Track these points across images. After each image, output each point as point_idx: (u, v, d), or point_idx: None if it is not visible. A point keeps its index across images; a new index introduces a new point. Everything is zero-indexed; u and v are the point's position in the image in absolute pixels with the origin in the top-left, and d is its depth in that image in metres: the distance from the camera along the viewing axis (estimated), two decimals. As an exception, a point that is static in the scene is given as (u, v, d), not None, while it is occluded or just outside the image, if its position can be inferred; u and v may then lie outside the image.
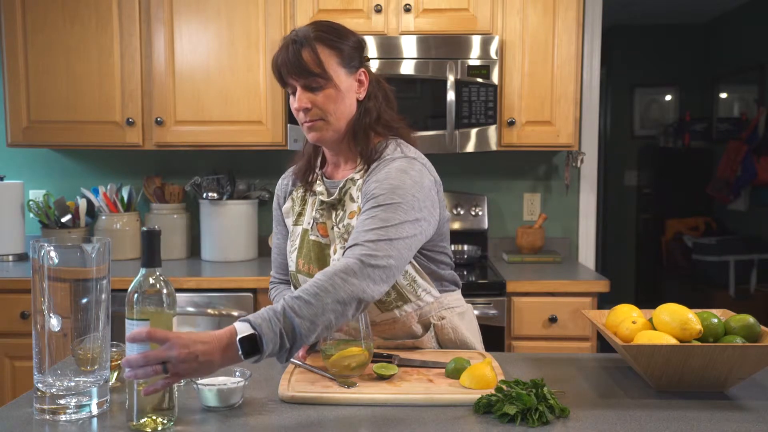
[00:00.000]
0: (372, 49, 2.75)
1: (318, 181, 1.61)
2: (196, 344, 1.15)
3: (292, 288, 1.68)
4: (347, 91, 1.52)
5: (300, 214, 1.64)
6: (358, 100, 1.55)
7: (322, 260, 1.56)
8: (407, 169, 1.48)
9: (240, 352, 1.18)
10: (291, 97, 1.53)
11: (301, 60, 1.46)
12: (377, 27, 2.82)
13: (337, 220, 1.55)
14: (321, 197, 1.58)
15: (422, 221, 1.45)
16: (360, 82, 1.55)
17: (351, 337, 1.39)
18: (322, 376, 1.41)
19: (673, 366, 1.32)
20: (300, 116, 1.52)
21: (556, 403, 1.23)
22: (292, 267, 1.62)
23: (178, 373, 1.14)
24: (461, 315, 1.67)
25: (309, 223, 1.60)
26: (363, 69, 1.55)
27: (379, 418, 1.23)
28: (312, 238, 1.58)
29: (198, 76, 2.87)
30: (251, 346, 1.18)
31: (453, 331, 1.62)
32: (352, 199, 1.54)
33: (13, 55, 2.86)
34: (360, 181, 1.53)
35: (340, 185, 1.55)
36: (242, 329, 1.19)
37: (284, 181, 1.72)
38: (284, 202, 1.69)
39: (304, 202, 1.64)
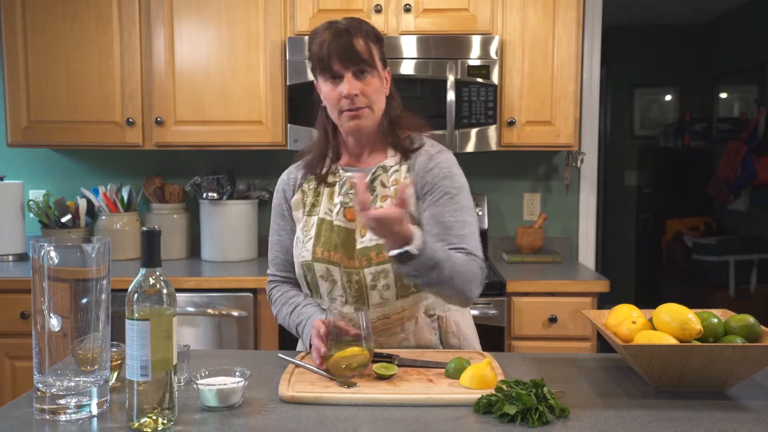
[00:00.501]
0: (372, 49, 2.75)
1: (337, 171, 1.65)
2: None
3: (303, 286, 1.67)
4: (383, 84, 1.61)
5: (314, 205, 1.64)
6: (385, 96, 1.63)
7: (349, 244, 1.58)
8: (457, 163, 1.64)
9: (397, 252, 1.37)
10: (330, 85, 1.57)
11: (354, 48, 1.54)
12: (377, 27, 2.81)
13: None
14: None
15: None
16: (386, 79, 1.63)
17: (351, 337, 1.40)
18: (322, 376, 1.41)
19: (673, 366, 1.32)
20: (343, 104, 1.56)
21: (556, 403, 1.23)
22: (306, 257, 1.61)
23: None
24: (462, 313, 1.73)
25: (327, 212, 1.61)
26: (388, 68, 1.65)
27: (379, 418, 1.23)
28: (337, 223, 1.60)
29: (198, 76, 2.87)
30: (406, 256, 1.37)
31: (455, 324, 1.68)
32: (383, 185, 1.60)
33: (13, 55, 2.86)
34: (395, 168, 1.61)
35: (373, 171, 1.61)
36: (412, 248, 1.37)
37: (290, 175, 1.72)
38: (292, 195, 1.69)
39: (317, 193, 1.65)
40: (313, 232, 1.62)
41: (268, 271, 1.76)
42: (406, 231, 1.37)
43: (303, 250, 1.63)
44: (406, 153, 1.62)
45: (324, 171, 1.65)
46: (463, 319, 1.71)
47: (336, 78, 1.56)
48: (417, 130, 1.67)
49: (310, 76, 2.76)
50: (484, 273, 1.55)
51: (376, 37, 1.60)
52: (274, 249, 1.73)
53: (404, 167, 1.61)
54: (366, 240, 1.56)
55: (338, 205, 1.61)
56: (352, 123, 1.57)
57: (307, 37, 2.78)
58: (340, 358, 1.36)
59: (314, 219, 1.63)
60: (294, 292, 1.69)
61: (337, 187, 1.63)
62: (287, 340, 2.45)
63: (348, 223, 1.60)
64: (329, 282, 1.60)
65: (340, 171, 1.65)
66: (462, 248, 1.53)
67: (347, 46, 1.53)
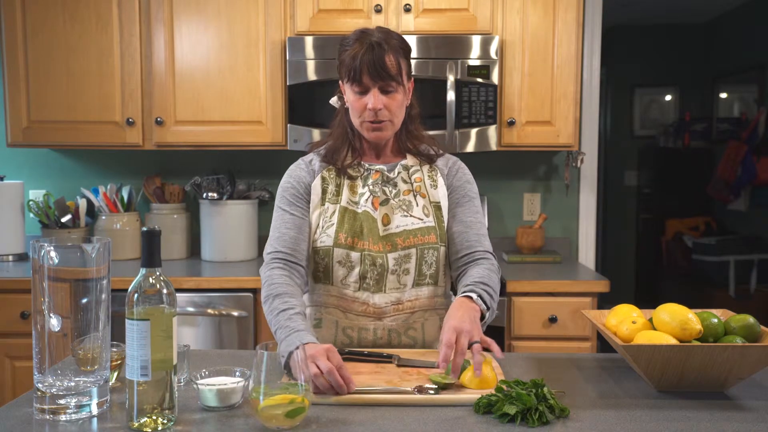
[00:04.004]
0: (372, 49, 2.75)
1: (360, 165, 1.71)
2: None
3: (311, 272, 1.70)
4: (406, 98, 1.70)
5: (335, 194, 1.70)
6: (406, 107, 1.72)
7: (374, 230, 1.65)
8: None
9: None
10: (355, 95, 1.64)
11: (384, 64, 1.61)
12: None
13: (393, 195, 1.70)
14: (385, 173, 1.71)
15: None
16: (409, 89, 1.72)
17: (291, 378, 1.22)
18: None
19: (673, 366, 1.32)
20: (366, 115, 1.64)
21: (556, 403, 1.23)
22: (327, 242, 1.65)
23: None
24: None
25: (350, 202, 1.68)
26: (412, 79, 1.74)
27: (379, 418, 1.23)
28: (363, 210, 1.67)
29: (198, 76, 2.87)
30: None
31: None
32: (403, 180, 1.71)
33: (13, 55, 2.86)
34: (415, 168, 1.73)
35: (397, 168, 1.72)
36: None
37: (309, 162, 1.74)
38: (312, 179, 1.72)
39: (337, 183, 1.71)
40: (335, 219, 1.67)
41: (270, 249, 1.66)
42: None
43: (323, 235, 1.66)
44: (430, 158, 1.75)
45: (345, 163, 1.71)
46: None
47: (363, 90, 1.63)
48: (429, 143, 1.79)
49: (311, 76, 2.78)
50: (497, 265, 1.72)
51: (404, 51, 1.67)
52: (285, 226, 1.66)
53: (425, 168, 1.74)
54: (392, 227, 1.66)
55: (366, 194, 1.69)
56: (373, 134, 1.67)
57: (307, 37, 2.79)
58: (274, 406, 1.17)
59: (336, 207, 1.68)
60: (293, 288, 1.58)
61: (360, 180, 1.71)
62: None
63: (374, 212, 1.67)
64: (346, 268, 1.65)
65: (364, 165, 1.72)
66: (479, 250, 1.69)
67: (378, 61, 1.60)
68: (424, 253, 1.65)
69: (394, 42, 1.64)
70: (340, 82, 1.71)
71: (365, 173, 1.71)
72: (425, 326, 1.69)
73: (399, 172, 1.72)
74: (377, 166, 1.72)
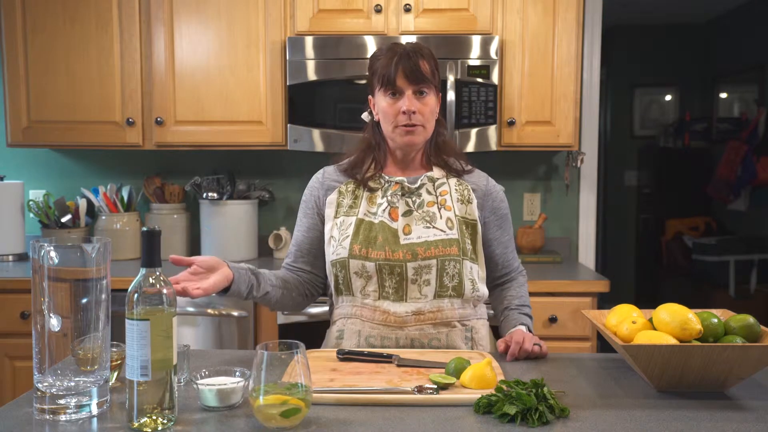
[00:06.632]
0: (372, 49, 2.75)
1: (380, 178, 1.73)
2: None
3: (332, 286, 1.73)
4: (437, 106, 1.73)
5: (351, 206, 1.72)
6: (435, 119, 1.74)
7: (392, 240, 1.66)
8: None
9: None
10: (388, 101, 1.67)
11: (419, 67, 1.65)
12: (377, 27, 2.82)
13: (416, 206, 1.70)
14: (405, 184, 1.72)
15: None
16: (438, 100, 1.75)
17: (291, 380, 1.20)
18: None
19: (673, 366, 1.32)
20: (400, 119, 1.66)
21: (556, 403, 1.23)
22: (342, 254, 1.67)
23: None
24: (486, 323, 1.80)
25: (367, 213, 1.69)
26: (440, 93, 1.77)
27: (379, 418, 1.23)
28: (380, 220, 1.68)
29: (198, 76, 2.87)
30: None
31: (485, 335, 1.76)
32: (428, 192, 1.72)
33: (13, 55, 2.86)
34: (441, 180, 1.74)
35: (420, 179, 1.73)
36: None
37: (327, 175, 1.79)
38: (327, 195, 1.76)
39: (355, 195, 1.73)
40: (350, 231, 1.68)
41: (286, 261, 1.83)
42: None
43: (339, 248, 1.68)
44: (459, 174, 1.76)
45: (366, 176, 1.73)
46: (485, 328, 1.79)
47: (396, 94, 1.66)
48: (458, 156, 1.80)
49: (311, 76, 2.78)
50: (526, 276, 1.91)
51: (435, 61, 1.71)
52: (297, 231, 1.81)
53: (452, 181, 1.75)
54: (413, 237, 1.66)
55: (383, 205, 1.70)
56: (406, 138, 1.67)
57: (307, 37, 2.79)
58: (270, 405, 1.17)
59: (352, 219, 1.69)
60: (282, 272, 1.79)
61: (379, 192, 1.72)
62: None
63: (392, 222, 1.68)
64: (363, 278, 1.66)
65: (385, 177, 1.73)
66: (515, 267, 1.87)
67: (414, 65, 1.64)
68: (444, 265, 1.65)
69: (426, 51, 1.69)
70: (369, 96, 1.75)
71: (385, 185, 1.72)
72: (450, 335, 1.67)
73: (423, 184, 1.72)
74: (397, 178, 1.72)
